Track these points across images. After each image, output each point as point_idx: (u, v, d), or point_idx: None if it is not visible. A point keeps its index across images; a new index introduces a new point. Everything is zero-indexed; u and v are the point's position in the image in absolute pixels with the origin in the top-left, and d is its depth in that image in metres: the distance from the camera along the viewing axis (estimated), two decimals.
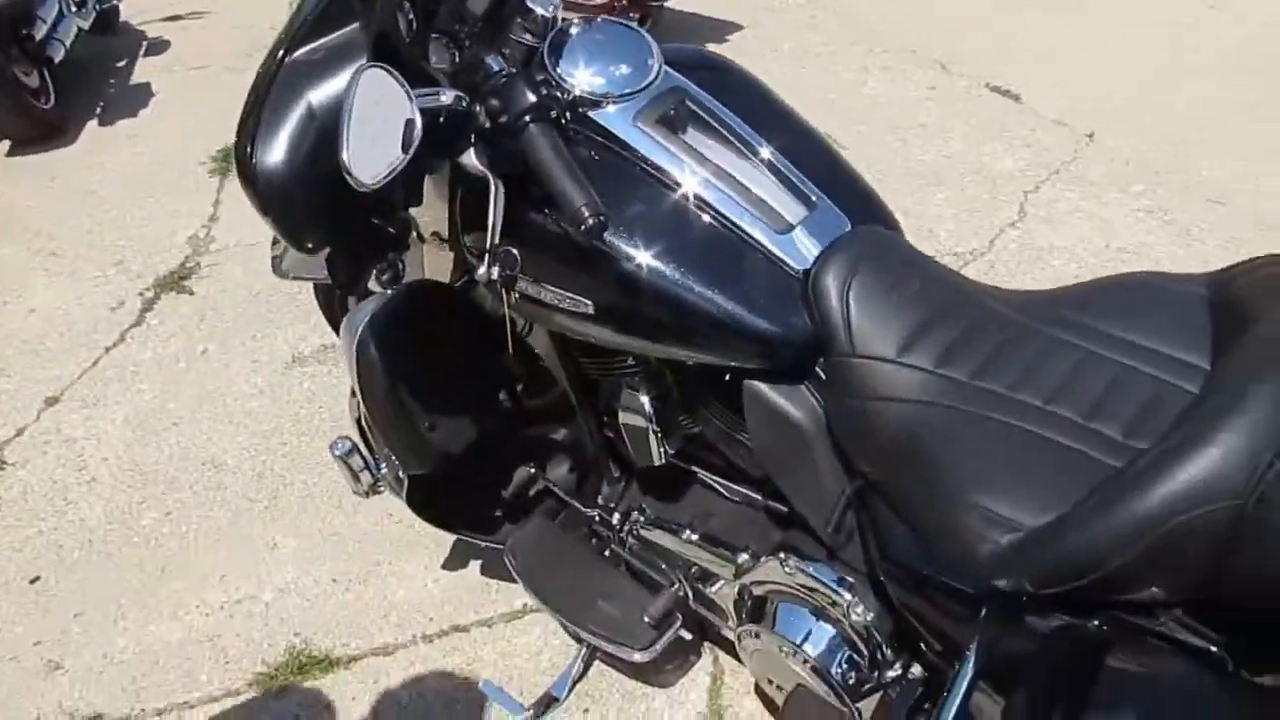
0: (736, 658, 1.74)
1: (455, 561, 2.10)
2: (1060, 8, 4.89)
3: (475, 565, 2.09)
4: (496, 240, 1.29)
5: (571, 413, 1.71)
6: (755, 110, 1.37)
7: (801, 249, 1.26)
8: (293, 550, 2.16)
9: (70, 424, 2.57)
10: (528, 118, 1.18)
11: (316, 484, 2.34)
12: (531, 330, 1.65)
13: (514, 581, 1.88)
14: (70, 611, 2.06)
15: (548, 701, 1.78)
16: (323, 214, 1.22)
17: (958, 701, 1.06)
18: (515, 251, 1.29)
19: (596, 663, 1.86)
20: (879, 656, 1.35)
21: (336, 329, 2.22)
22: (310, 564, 2.12)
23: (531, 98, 1.19)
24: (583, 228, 1.13)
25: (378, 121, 1.10)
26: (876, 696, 1.36)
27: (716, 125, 1.33)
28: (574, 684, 1.81)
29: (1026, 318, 1.20)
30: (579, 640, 1.85)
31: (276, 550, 2.17)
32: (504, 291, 1.34)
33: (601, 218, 1.14)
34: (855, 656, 1.36)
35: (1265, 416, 0.88)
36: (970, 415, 1.12)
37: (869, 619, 1.32)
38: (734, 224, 1.26)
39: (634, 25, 1.39)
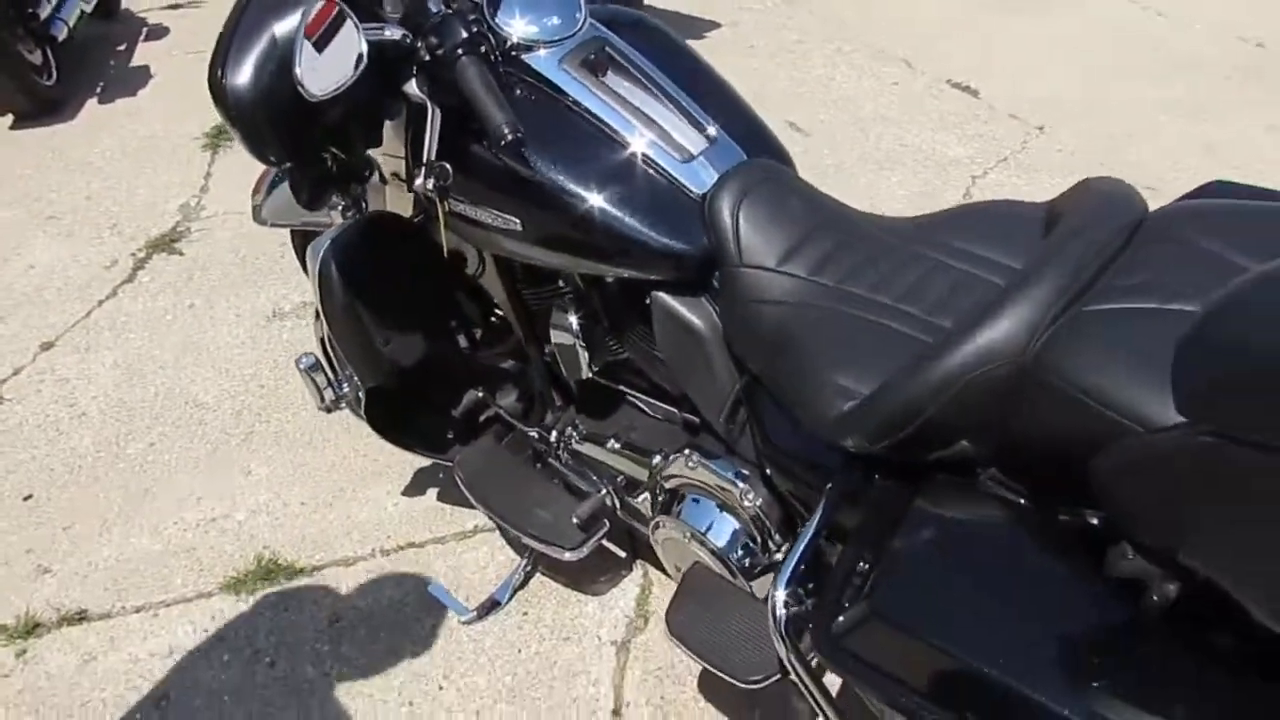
0: (663, 570, 1.92)
1: (414, 489, 2.28)
2: (1020, 11, 5.10)
3: (432, 492, 2.27)
4: (433, 157, 1.48)
5: (517, 343, 1.90)
6: (668, 59, 1.56)
7: (701, 175, 1.45)
8: (265, 477, 2.34)
9: (64, 366, 2.75)
10: (460, 50, 1.37)
11: (290, 422, 2.52)
12: (483, 271, 1.83)
13: (466, 506, 2.07)
14: (59, 525, 2.24)
15: (490, 605, 1.97)
16: (283, 129, 1.40)
17: (801, 547, 1.24)
18: (448, 166, 1.48)
19: (537, 574, 2.04)
20: (769, 540, 1.53)
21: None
22: (281, 489, 2.30)
23: (464, 34, 1.38)
24: (502, 142, 1.32)
25: (330, 46, 1.29)
26: (769, 576, 1.54)
27: (633, 70, 1.52)
28: (515, 590, 2.00)
29: (891, 236, 1.39)
30: (521, 554, 2.04)
31: (250, 477, 2.35)
32: (439, 201, 1.53)
33: (519, 133, 1.33)
34: (749, 541, 1.54)
35: (1044, 292, 1.06)
36: (833, 312, 1.30)
37: (759, 505, 1.50)
38: (643, 153, 1.45)
39: None
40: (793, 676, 1.26)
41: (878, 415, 1.15)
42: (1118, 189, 1.21)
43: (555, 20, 1.51)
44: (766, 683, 1.44)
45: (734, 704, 1.78)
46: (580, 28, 1.51)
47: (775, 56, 4.74)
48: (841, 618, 1.11)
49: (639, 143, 1.46)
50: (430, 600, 1.98)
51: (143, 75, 4.76)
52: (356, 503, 2.25)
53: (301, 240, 2.38)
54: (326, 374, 1.90)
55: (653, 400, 1.76)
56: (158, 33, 5.27)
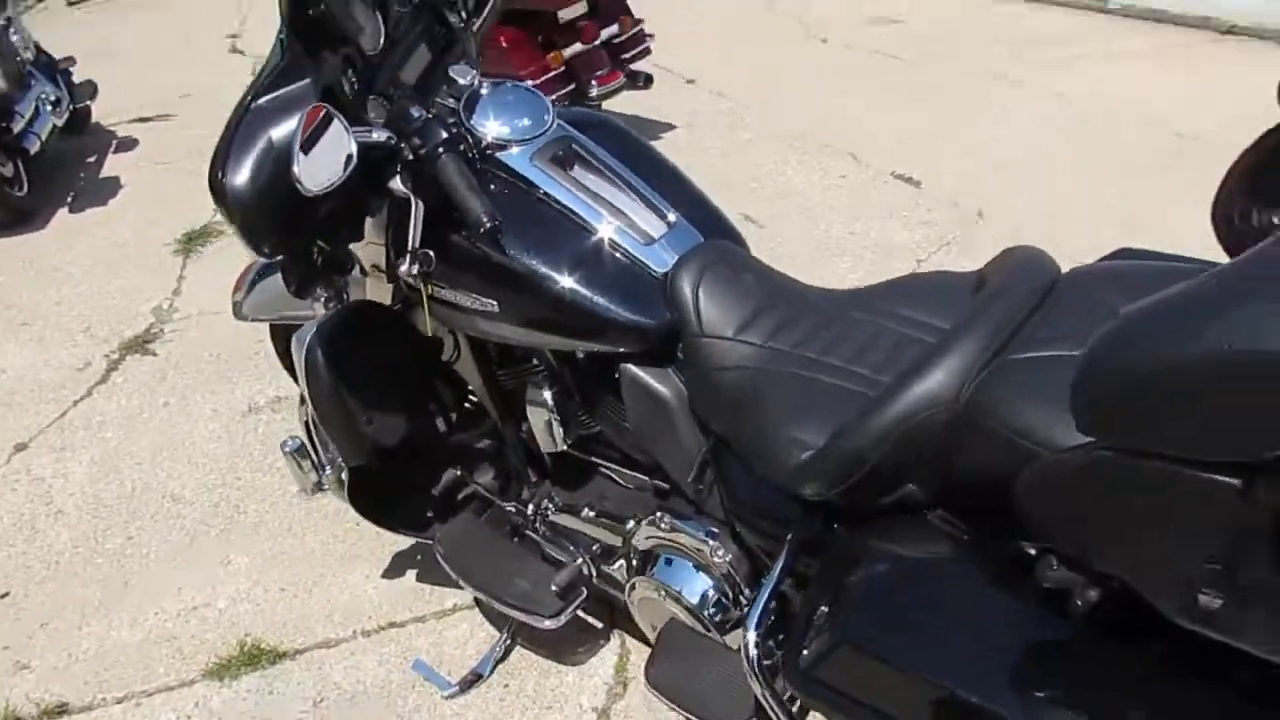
0: (640, 638, 1.99)
1: (392, 571, 2.34)
2: (954, 107, 5.42)
3: (411, 574, 2.33)
4: (417, 245, 1.60)
5: (493, 424, 2.00)
6: (629, 154, 1.71)
7: (663, 256, 1.59)
8: (245, 566, 2.39)
9: (39, 466, 2.79)
10: (440, 149, 1.51)
11: (269, 512, 2.57)
12: (459, 356, 1.94)
13: (444, 585, 2.14)
14: (37, 621, 2.26)
15: (473, 678, 2.02)
16: (279, 225, 1.52)
17: (768, 590, 1.34)
18: (430, 253, 1.59)
19: (517, 647, 2.09)
20: (740, 593, 1.62)
21: (288, 368, 2.52)
22: (261, 576, 2.35)
23: (444, 134, 1.52)
24: (481, 230, 1.45)
25: (323, 147, 1.41)
26: (741, 629, 1.62)
27: (597, 164, 1.67)
28: (496, 663, 2.05)
29: (837, 305, 1.53)
30: (501, 628, 2.10)
31: (230, 566, 2.39)
32: (423, 285, 1.64)
33: (497, 222, 1.45)
34: (721, 595, 1.63)
35: (972, 345, 1.19)
36: (788, 374, 1.43)
37: (729, 560, 1.59)
38: (609, 238, 1.58)
39: (534, 89, 1.73)
40: (771, 715, 1.34)
41: (830, 463, 1.27)
42: (1034, 255, 1.36)
43: (526, 121, 1.65)
44: None
45: None
46: (549, 128, 1.66)
47: (728, 154, 4.98)
48: (808, 651, 1.20)
49: (605, 229, 1.59)
50: (413, 676, 2.03)
51: (113, 185, 4.89)
52: (337, 587, 2.30)
53: (281, 334, 2.48)
54: (311, 456, 1.98)
55: (624, 470, 1.86)
56: (127, 144, 5.43)
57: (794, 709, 1.33)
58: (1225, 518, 0.83)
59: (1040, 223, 3.99)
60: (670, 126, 5.39)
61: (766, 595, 1.34)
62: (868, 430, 1.22)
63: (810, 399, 1.37)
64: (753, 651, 1.31)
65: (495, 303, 1.61)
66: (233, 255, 3.97)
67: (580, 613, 2.08)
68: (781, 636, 1.33)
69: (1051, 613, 1.08)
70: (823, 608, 1.23)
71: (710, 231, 1.65)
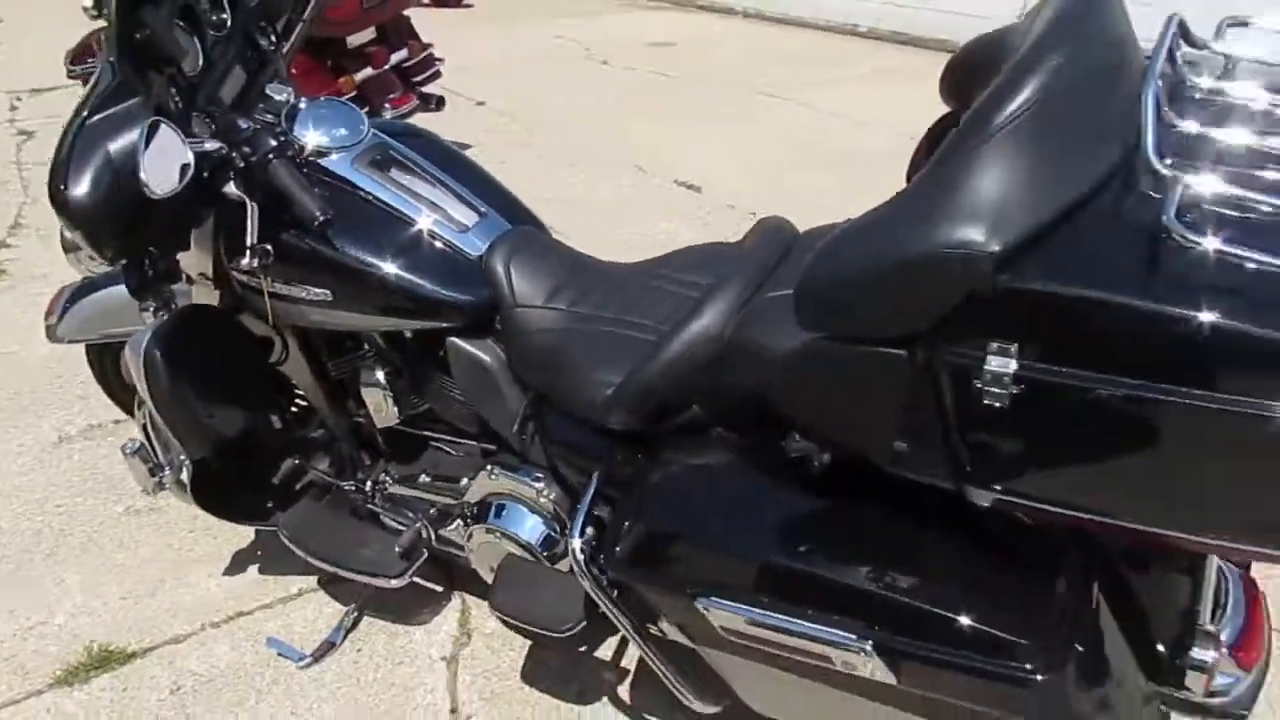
0: (479, 593, 2.21)
1: (235, 567, 2.44)
2: (728, 121, 5.94)
3: (254, 568, 2.44)
4: (255, 241, 1.77)
5: (327, 413, 2.17)
6: (440, 157, 1.96)
7: (476, 241, 1.84)
8: (79, 582, 2.43)
9: None
10: (271, 155, 1.70)
11: (97, 532, 2.61)
12: (288, 356, 2.11)
13: (289, 573, 2.29)
14: None
15: (326, 647, 2.18)
16: (120, 230, 1.66)
17: (587, 501, 1.62)
18: (269, 247, 1.78)
19: (366, 616, 2.27)
20: (565, 525, 1.88)
21: (105, 387, 2.59)
22: (98, 589, 2.40)
23: (273, 142, 1.71)
24: (315, 224, 1.65)
25: (162, 156, 1.58)
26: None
27: (412, 166, 1.90)
28: (347, 632, 2.22)
29: (628, 274, 1.83)
30: (348, 603, 2.26)
31: (63, 585, 2.42)
32: (262, 276, 1.82)
33: (329, 215, 1.66)
34: (549, 529, 1.89)
35: (733, 291, 1.52)
36: (591, 331, 1.71)
37: (553, 496, 1.85)
38: (427, 229, 1.82)
39: (348, 102, 1.94)
40: (600, 607, 1.62)
41: (628, 396, 1.56)
42: (778, 223, 1.71)
43: (343, 131, 1.86)
44: (577, 627, 1.77)
45: (553, 683, 2.08)
46: (365, 136, 1.87)
47: (519, 170, 5.23)
48: (622, 543, 1.49)
49: (424, 220, 1.83)
50: (267, 654, 2.16)
51: None
52: (180, 588, 2.39)
53: (98, 355, 2.54)
54: (151, 456, 2.09)
55: (453, 438, 2.08)
56: None
57: (614, 595, 1.60)
58: (901, 379, 1.17)
59: (803, 215, 4.49)
60: (464, 146, 5.59)
61: (586, 507, 1.61)
62: (655, 366, 1.52)
63: (610, 349, 1.66)
64: (579, 555, 1.58)
65: (329, 292, 1.80)
66: (21, 295, 3.88)
67: (424, 580, 2.29)
68: (600, 539, 1.60)
69: (799, 479, 1.41)
70: (630, 508, 1.52)
71: (516, 220, 1.92)
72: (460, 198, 1.89)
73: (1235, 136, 1.16)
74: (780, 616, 1.35)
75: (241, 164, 1.73)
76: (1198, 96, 1.25)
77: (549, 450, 1.81)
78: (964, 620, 1.28)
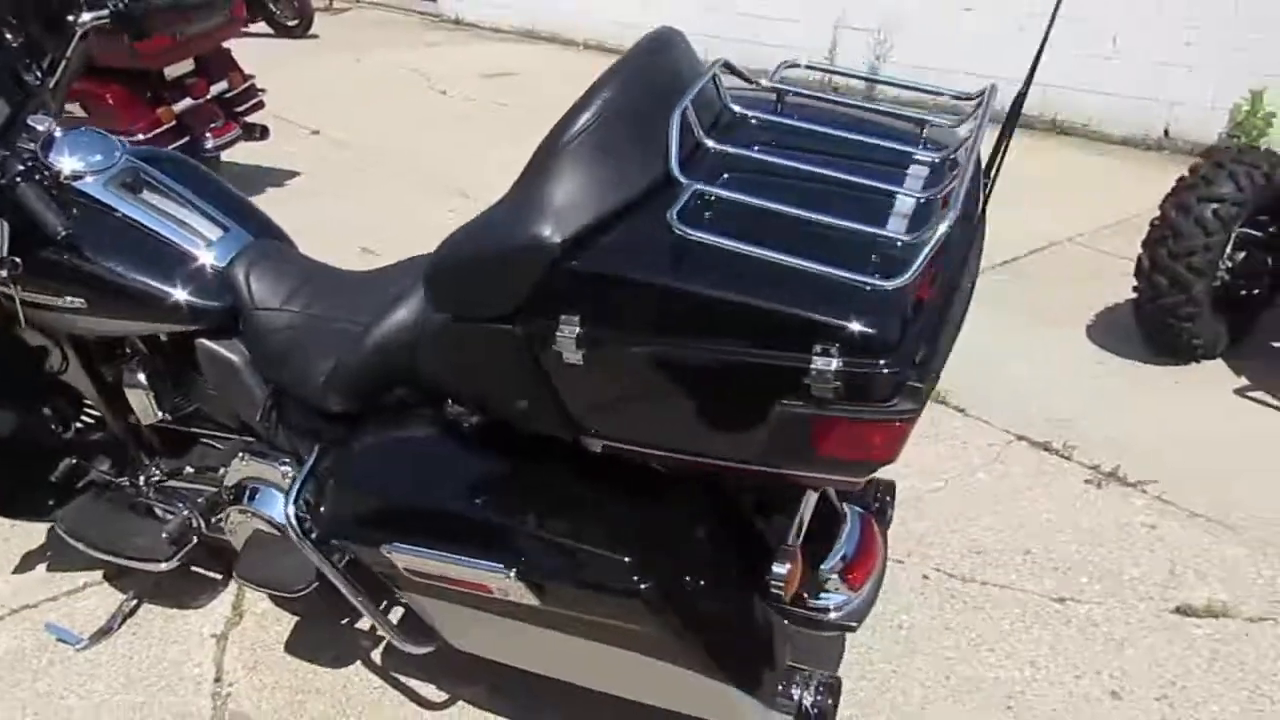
0: None
1: (23, 566, 2.59)
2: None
3: (41, 566, 2.60)
4: (3, 255, 1.98)
5: (101, 415, 2.37)
6: (192, 179, 2.19)
7: (220, 253, 2.08)
8: None
9: None
10: (19, 179, 1.91)
11: None
12: (67, 366, 2.31)
13: (76, 569, 2.46)
14: None
15: (103, 632, 2.36)
16: None
17: (297, 485, 1.87)
18: (18, 260, 1.98)
19: (145, 603, 2.46)
20: None
21: None
22: None
23: (21, 167, 1.93)
24: (57, 238, 1.88)
25: None
26: None
27: (162, 187, 2.13)
28: (125, 618, 2.41)
29: (356, 280, 2.10)
30: (128, 592, 2.45)
31: None
32: (13, 284, 2.02)
33: (69, 231, 1.89)
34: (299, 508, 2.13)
35: (417, 298, 1.80)
36: (319, 329, 1.97)
37: (294, 476, 2.10)
38: (175, 241, 2.06)
39: (104, 132, 2.16)
40: (325, 571, 1.87)
41: (339, 380, 1.84)
42: None
43: (98, 156, 2.09)
44: (309, 588, 2.02)
45: (312, 652, 2.31)
46: (118, 161, 2.10)
47: (348, 198, 5.45)
48: (325, 505, 1.75)
49: (171, 235, 2.06)
50: (46, 639, 2.33)
51: None
52: None
53: None
54: None
55: (216, 433, 2.31)
56: None
57: (326, 554, 1.86)
58: (509, 349, 1.47)
59: None
60: (294, 174, 5.78)
61: (301, 479, 1.87)
62: (358, 354, 1.80)
63: (333, 343, 1.93)
64: (292, 520, 1.84)
65: (84, 301, 2.02)
66: None
67: (201, 568, 2.49)
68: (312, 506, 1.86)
69: (459, 440, 1.71)
70: (330, 476, 1.79)
71: (260, 234, 2.17)
72: (206, 215, 2.13)
73: (761, 154, 1.51)
74: (444, 554, 1.64)
75: None
76: (738, 123, 1.61)
77: (289, 435, 2.07)
78: (583, 546, 1.59)
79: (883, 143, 1.56)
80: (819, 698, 1.76)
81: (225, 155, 5.47)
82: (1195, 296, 3.34)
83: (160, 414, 2.21)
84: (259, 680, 2.25)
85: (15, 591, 2.52)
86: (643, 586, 1.55)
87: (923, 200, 1.44)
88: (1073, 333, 3.80)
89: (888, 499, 2.19)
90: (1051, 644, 2.33)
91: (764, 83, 1.70)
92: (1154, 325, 3.49)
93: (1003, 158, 1.74)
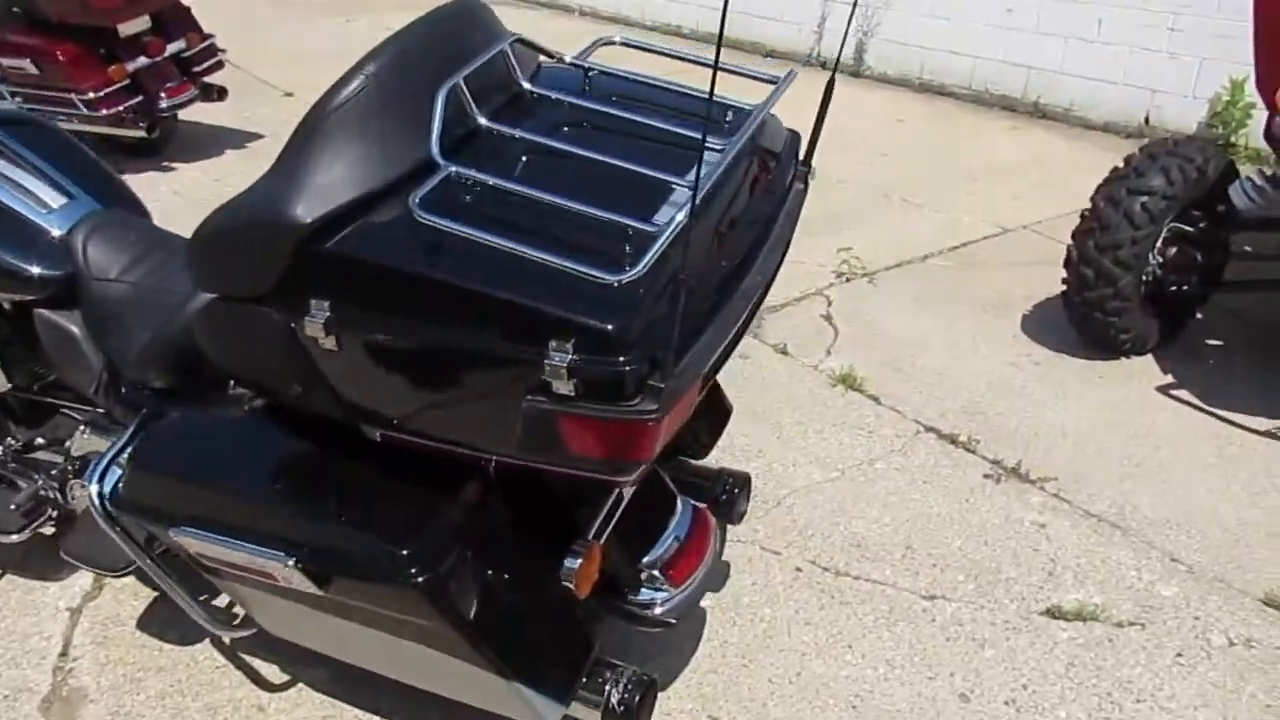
0: None
1: None
2: None
3: None
4: None
5: None
6: (43, 145, 2.16)
7: (61, 221, 2.05)
8: None
9: None
10: None
11: None
12: None
13: None
14: None
15: None
16: None
17: (103, 462, 1.84)
18: None
19: (7, 575, 2.45)
20: None
21: None
22: None
23: None
24: None
25: None
26: None
27: (7, 152, 2.10)
28: None
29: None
30: None
31: None
32: None
33: None
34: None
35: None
36: (152, 301, 1.94)
37: None
38: (13, 208, 2.03)
39: None
40: (126, 549, 1.85)
41: (151, 353, 1.81)
42: None
43: None
44: (129, 568, 2.00)
45: (162, 628, 2.29)
46: None
47: None
48: (124, 485, 1.73)
49: (10, 201, 2.03)
50: None
51: None
52: None
53: None
54: None
55: (73, 405, 2.29)
56: None
57: (130, 534, 1.84)
58: (272, 332, 1.43)
59: None
60: (258, 136, 5.73)
61: (109, 456, 1.85)
62: (170, 328, 1.77)
63: (153, 315, 1.90)
64: (95, 499, 1.81)
65: None
66: None
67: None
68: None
69: (246, 423, 1.68)
70: (135, 453, 1.76)
71: (110, 203, 2.14)
72: (53, 181, 2.10)
73: (539, 137, 1.45)
74: (229, 539, 1.61)
75: None
76: (531, 103, 1.55)
77: (122, 409, 2.04)
78: (362, 536, 1.56)
79: (675, 128, 1.50)
80: (627, 695, 1.72)
81: (187, 115, 5.44)
82: (1122, 290, 3.25)
83: (10, 383, 2.20)
84: (104, 655, 2.24)
85: None
86: (420, 579, 1.52)
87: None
88: (1006, 323, 3.72)
89: (737, 491, 2.15)
90: (911, 643, 2.29)
91: (568, 59, 1.63)
92: (1081, 319, 3.41)
93: (816, 137, 1.68)
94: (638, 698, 1.73)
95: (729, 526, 2.54)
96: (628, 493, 1.77)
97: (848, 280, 4.06)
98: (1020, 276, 4.06)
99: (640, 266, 1.21)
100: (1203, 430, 3.10)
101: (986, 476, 2.87)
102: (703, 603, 2.39)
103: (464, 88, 1.42)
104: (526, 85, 1.56)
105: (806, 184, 1.78)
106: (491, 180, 1.34)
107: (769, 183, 1.63)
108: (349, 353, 1.38)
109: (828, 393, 3.28)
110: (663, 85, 1.65)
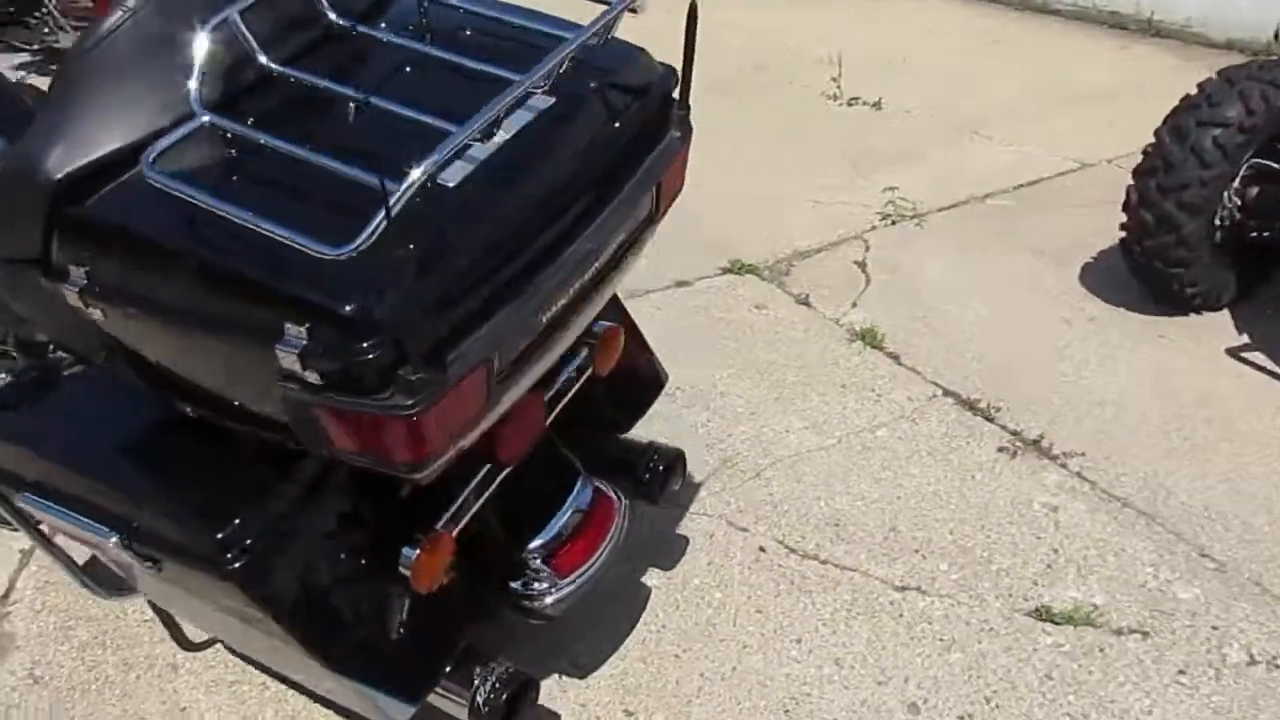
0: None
1: None
2: None
3: None
4: None
5: None
6: None
7: None
8: None
9: None
10: None
11: None
12: None
13: None
14: None
15: None
16: None
17: None
18: None
19: None
20: None
21: None
22: None
23: None
24: None
25: None
26: None
27: None
28: None
29: None
30: None
31: None
32: None
33: None
34: None
35: None
36: None
37: None
38: None
39: None
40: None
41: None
42: None
43: None
44: None
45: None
46: None
47: None
48: None
49: None
50: None
51: None
52: None
53: None
54: None
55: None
56: None
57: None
58: (53, 296, 1.30)
59: None
60: None
61: None
62: None
63: None
64: None
65: None
66: None
67: None
68: None
69: (85, 391, 1.58)
70: None
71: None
72: None
73: (324, 78, 1.25)
74: (64, 511, 1.52)
75: None
76: (331, 36, 1.34)
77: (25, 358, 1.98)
78: (180, 517, 1.44)
79: (492, 66, 1.27)
80: (494, 694, 1.57)
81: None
82: (1187, 238, 2.83)
83: None
84: (41, 601, 2.23)
85: None
86: (230, 566, 1.39)
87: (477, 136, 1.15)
88: (1064, 273, 3.32)
89: (664, 469, 1.94)
90: (869, 640, 2.05)
91: None
92: (1140, 270, 3.00)
93: (689, 72, 1.43)
94: (505, 697, 1.57)
95: (704, 498, 2.36)
96: (494, 474, 1.59)
97: (893, 223, 3.70)
98: (1091, 220, 3.60)
99: (362, 237, 1.01)
100: (1270, 401, 2.68)
101: (1001, 450, 2.56)
102: (649, 581, 2.22)
103: (239, 21, 1.23)
104: (332, 16, 1.36)
105: (686, 128, 1.51)
106: (244, 131, 1.15)
107: (619, 129, 1.38)
108: (114, 323, 1.24)
109: (842, 349, 2.99)
110: (499, 14, 1.41)
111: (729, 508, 2.40)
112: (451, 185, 1.15)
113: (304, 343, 1.06)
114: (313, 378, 1.08)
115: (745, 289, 3.31)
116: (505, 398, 1.31)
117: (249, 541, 1.40)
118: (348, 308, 1.05)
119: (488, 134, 1.17)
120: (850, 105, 4.58)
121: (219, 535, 1.39)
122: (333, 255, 1.02)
